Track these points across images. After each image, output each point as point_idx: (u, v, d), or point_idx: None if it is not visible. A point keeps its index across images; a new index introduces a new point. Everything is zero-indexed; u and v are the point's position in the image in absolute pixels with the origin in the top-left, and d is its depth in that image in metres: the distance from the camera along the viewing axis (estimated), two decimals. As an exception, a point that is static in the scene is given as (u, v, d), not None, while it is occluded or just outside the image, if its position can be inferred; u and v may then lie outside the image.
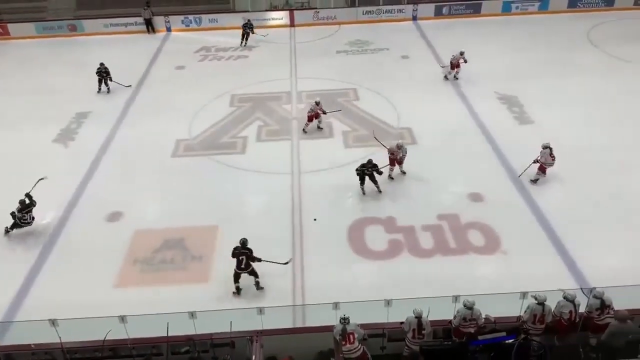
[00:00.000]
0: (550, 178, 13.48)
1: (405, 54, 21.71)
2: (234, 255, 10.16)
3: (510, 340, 7.46)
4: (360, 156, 14.60)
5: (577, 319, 8.41)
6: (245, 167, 14.53)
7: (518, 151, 14.51)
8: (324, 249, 11.51)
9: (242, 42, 23.20)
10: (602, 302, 8.30)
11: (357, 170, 12.91)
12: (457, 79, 18.95)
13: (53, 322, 8.23)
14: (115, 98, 18.49)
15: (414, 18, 25.62)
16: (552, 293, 8.48)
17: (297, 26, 25.46)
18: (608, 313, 8.31)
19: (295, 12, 25.72)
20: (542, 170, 13.12)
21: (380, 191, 13.07)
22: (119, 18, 25.29)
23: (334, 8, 25.82)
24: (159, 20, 25.20)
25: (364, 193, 13.08)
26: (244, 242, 10.20)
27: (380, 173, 12.92)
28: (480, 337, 7.50)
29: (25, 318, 9.59)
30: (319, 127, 16.11)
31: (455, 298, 8.51)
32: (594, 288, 8.67)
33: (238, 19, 25.36)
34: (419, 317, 8.13)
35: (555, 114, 16.40)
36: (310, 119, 15.85)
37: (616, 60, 20.11)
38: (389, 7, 25.65)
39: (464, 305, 8.29)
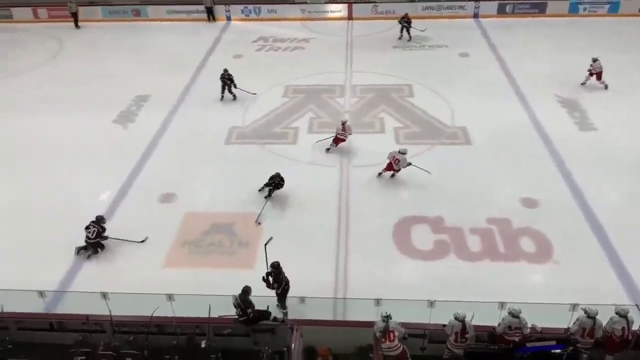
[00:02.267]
0: (612, 189, 12.93)
1: (465, 52, 21.24)
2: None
3: (558, 350, 7.24)
4: (411, 153, 14.45)
5: (630, 337, 8.06)
6: (295, 157, 14.64)
7: (577, 158, 13.99)
8: (369, 244, 11.46)
9: (400, 37, 22.74)
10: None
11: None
12: (606, 87, 17.45)
13: (104, 295, 8.60)
14: (174, 84, 18.97)
15: (475, 15, 25.01)
16: (605, 308, 8.17)
17: (355, 19, 25.37)
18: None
19: (353, 5, 25.59)
20: None
21: None
22: (181, 5, 25.94)
23: (393, 2, 25.49)
24: (219, 9, 25.69)
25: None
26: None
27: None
28: (528, 344, 7.30)
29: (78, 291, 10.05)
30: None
31: (502, 305, 8.33)
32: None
33: (296, 11, 25.62)
34: (462, 321, 7.99)
35: (618, 122, 15.65)
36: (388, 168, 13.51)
37: (691, 68, 19.01)
38: (450, 4, 25.14)
39: (510, 313, 8.11)
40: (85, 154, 14.92)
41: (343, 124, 14.59)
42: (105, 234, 11.35)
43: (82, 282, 10.58)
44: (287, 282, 9.40)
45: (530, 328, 8.10)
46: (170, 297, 8.69)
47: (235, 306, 8.63)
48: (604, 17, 24.40)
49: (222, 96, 17.84)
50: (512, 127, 15.67)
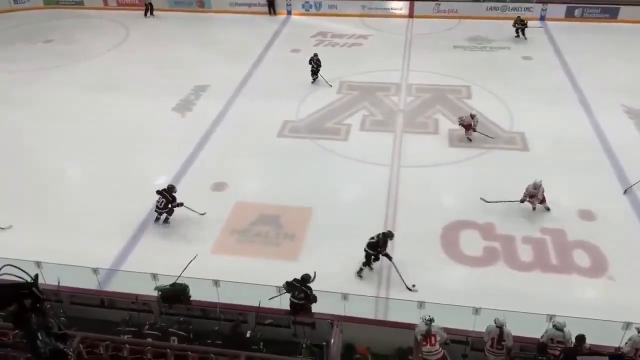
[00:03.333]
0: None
1: (528, 55, 20.56)
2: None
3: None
4: (465, 156, 14.24)
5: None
6: (346, 154, 14.63)
7: (642, 171, 13.32)
8: (415, 245, 11.32)
9: (517, 35, 22.25)
10: None
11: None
12: None
13: (154, 276, 8.90)
14: (232, 75, 19.32)
15: (542, 18, 24.16)
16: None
17: (416, 17, 25.04)
18: None
19: (415, 2, 25.25)
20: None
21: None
22: (244, -2, 26.37)
23: (456, 1, 24.97)
24: (281, 3, 25.95)
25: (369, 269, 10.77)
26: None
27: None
28: (578, 358, 7.01)
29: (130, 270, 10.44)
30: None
31: (550, 317, 8.06)
32: None
33: (357, 7, 25.53)
34: (500, 327, 7.81)
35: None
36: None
37: None
38: (516, 5, 24.39)
39: (554, 326, 7.87)
40: (144, 139, 15.44)
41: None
42: (175, 203, 11.83)
43: (134, 261, 10.99)
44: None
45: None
46: (216, 282, 8.90)
47: (287, 289, 8.83)
48: (683, 24, 23.04)
49: (314, 79, 18.57)
50: (574, 136, 15.08)
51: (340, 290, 8.93)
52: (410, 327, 8.12)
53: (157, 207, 11.90)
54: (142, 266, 9.87)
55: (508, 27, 22.97)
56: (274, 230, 11.87)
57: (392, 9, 25.53)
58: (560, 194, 12.75)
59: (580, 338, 7.64)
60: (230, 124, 16.41)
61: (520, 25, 22.08)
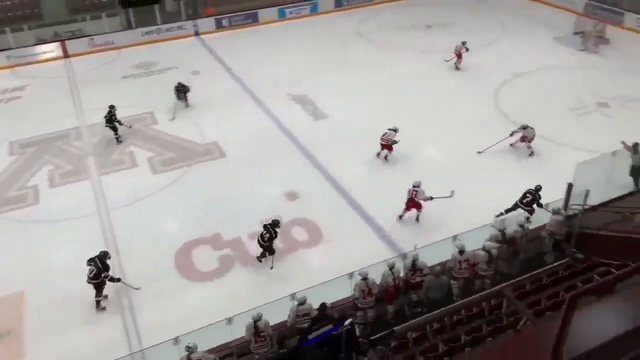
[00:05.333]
0: (352, 161, 14.63)
1: (195, 70, 21.43)
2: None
3: (338, 330, 7.75)
4: (172, 178, 14.23)
5: (400, 283, 9.31)
6: (43, 218, 13.06)
7: (319, 144, 15.50)
8: (152, 283, 10.88)
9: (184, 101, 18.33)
10: (413, 263, 9.32)
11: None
12: (458, 69, 19.84)
13: None
14: None
15: (196, 33, 25.50)
16: (376, 266, 9.30)
17: (72, 56, 23.52)
18: (421, 274, 9.37)
19: (67, 42, 23.70)
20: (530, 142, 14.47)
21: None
22: None
23: (110, 33, 24.39)
24: None
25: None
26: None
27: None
28: (310, 336, 7.62)
29: None
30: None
31: (292, 296, 8.76)
32: (407, 253, 9.72)
33: (1, 58, 22.58)
34: (255, 321, 8.22)
35: (342, 104, 17.81)
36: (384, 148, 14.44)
37: (383, 49, 22.57)
38: (169, 26, 25.13)
39: (296, 303, 8.58)
40: None
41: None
42: (110, 273, 10.26)
43: None
44: None
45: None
46: None
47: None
48: (308, 17, 27.25)
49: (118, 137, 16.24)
50: (259, 131, 16.54)
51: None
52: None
53: (87, 276, 10.18)
54: None
55: (167, 47, 23.68)
56: (-19, 336, 9.85)
57: (42, 52, 23.41)
58: (265, 185, 13.90)
59: (322, 306, 8.48)
60: None
61: (182, 90, 18.18)
